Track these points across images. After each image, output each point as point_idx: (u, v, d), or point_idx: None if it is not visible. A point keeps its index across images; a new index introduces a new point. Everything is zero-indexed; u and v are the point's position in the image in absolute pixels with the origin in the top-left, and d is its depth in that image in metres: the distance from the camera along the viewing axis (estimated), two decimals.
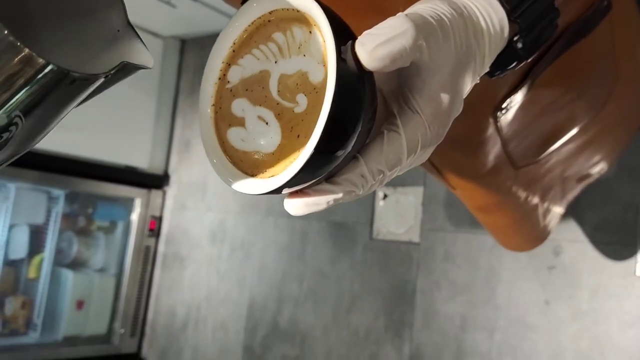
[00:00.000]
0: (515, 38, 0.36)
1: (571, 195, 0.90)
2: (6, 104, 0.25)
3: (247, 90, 0.33)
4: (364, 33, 0.29)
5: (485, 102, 0.56)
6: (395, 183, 1.83)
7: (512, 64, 0.37)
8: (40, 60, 0.23)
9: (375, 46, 0.28)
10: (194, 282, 2.31)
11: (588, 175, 0.89)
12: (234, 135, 0.33)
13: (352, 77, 0.29)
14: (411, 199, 1.81)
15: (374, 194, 1.85)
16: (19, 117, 0.25)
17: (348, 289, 1.90)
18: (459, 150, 0.63)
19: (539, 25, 0.36)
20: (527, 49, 0.37)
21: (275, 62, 0.32)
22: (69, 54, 0.25)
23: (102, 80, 0.27)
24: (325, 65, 0.30)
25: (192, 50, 2.54)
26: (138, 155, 2.40)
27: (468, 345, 1.62)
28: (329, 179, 0.31)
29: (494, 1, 0.34)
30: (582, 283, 1.47)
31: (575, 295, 1.48)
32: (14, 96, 0.24)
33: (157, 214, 2.43)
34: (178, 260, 2.37)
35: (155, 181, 2.43)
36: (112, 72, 0.28)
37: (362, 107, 0.29)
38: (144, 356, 2.38)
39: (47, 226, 2.20)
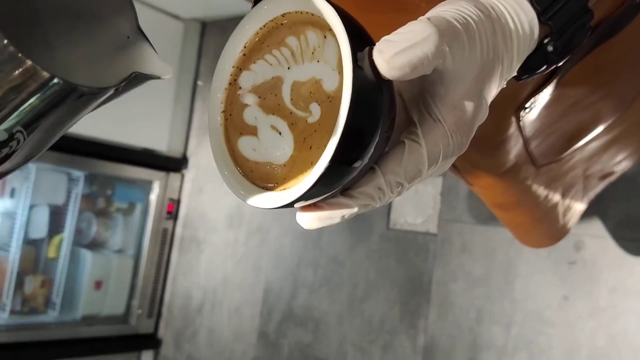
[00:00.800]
0: (545, 41, 0.34)
1: (593, 192, 0.88)
2: (6, 119, 0.23)
3: (259, 97, 0.31)
4: (382, 39, 0.27)
5: (509, 102, 0.54)
6: None
7: (541, 68, 0.35)
8: (45, 74, 0.22)
9: (395, 54, 0.26)
10: (210, 265, 2.32)
11: (611, 173, 0.86)
12: (246, 145, 0.32)
13: (369, 85, 0.27)
14: (430, 189, 1.79)
15: None
16: (21, 132, 0.24)
17: (363, 277, 1.89)
18: (478, 149, 0.61)
19: (572, 28, 0.34)
20: (559, 53, 0.34)
21: (288, 69, 0.31)
22: (77, 61, 0.23)
23: (111, 92, 0.25)
24: (340, 73, 0.29)
25: (212, 33, 2.52)
26: (157, 138, 2.40)
27: (483, 338, 1.61)
28: (344, 191, 0.30)
29: (524, 1, 0.32)
30: (602, 279, 1.44)
31: (594, 291, 1.45)
32: (14, 111, 0.23)
33: (175, 196, 2.44)
34: (195, 243, 2.38)
35: (173, 164, 2.44)
36: (122, 84, 0.26)
37: (380, 116, 0.28)
38: (161, 337, 2.41)
39: (67, 207, 2.23)
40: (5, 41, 0.21)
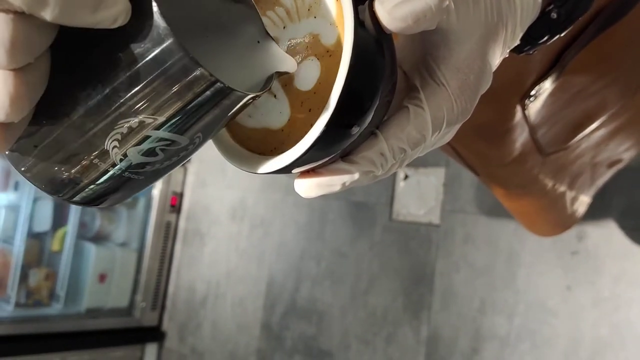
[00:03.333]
0: (548, 9, 0.34)
1: (601, 180, 0.87)
2: (191, 127, 0.25)
3: None
4: None
5: (513, 90, 0.54)
6: (417, 164, 1.81)
7: (543, 38, 0.34)
8: (213, 79, 0.23)
9: (396, 4, 0.25)
10: (213, 258, 2.33)
11: (619, 161, 0.86)
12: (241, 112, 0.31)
13: (371, 41, 0.26)
14: (432, 180, 1.79)
15: (394, 173, 1.83)
16: (199, 136, 0.26)
17: (366, 269, 1.89)
18: (484, 139, 0.61)
19: None
20: (562, 22, 0.34)
21: (284, 28, 0.29)
22: (216, 71, 0.24)
23: (259, 95, 0.26)
24: (339, 27, 0.27)
25: None
26: None
27: (486, 329, 1.61)
28: (345, 157, 0.28)
29: None
30: (605, 269, 1.44)
31: (597, 281, 1.45)
32: (195, 117, 0.24)
33: (178, 190, 2.44)
34: (198, 236, 2.39)
35: None
36: (270, 85, 0.27)
37: (382, 76, 0.26)
38: (165, 329, 2.42)
39: None
40: (185, 52, 0.22)
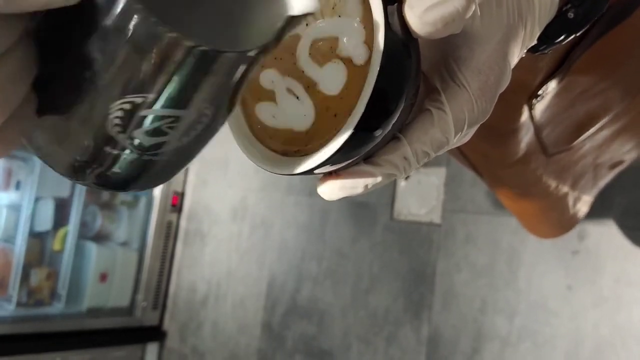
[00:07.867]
0: (565, 8, 0.34)
1: (602, 182, 0.88)
2: (195, 97, 0.22)
3: (275, 58, 0.29)
4: None
5: (521, 90, 0.55)
6: None
7: (560, 37, 0.35)
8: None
9: (426, 9, 0.25)
10: (214, 258, 2.33)
11: (621, 162, 0.86)
12: (264, 111, 0.30)
13: (398, 44, 0.26)
14: (433, 179, 1.79)
15: None
16: (207, 107, 0.23)
17: (367, 269, 1.90)
18: (490, 139, 0.61)
19: None
20: (579, 21, 0.34)
21: (307, 25, 0.29)
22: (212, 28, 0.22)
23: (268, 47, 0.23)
24: (365, 27, 0.27)
25: None
26: None
27: (487, 329, 1.62)
28: (367, 159, 0.29)
29: None
30: (606, 269, 1.45)
31: (598, 281, 1.46)
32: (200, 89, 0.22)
33: (179, 189, 2.44)
34: (199, 236, 2.39)
35: None
36: (281, 39, 0.23)
37: (408, 79, 0.26)
38: (165, 329, 2.42)
39: (72, 200, 2.23)
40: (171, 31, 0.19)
